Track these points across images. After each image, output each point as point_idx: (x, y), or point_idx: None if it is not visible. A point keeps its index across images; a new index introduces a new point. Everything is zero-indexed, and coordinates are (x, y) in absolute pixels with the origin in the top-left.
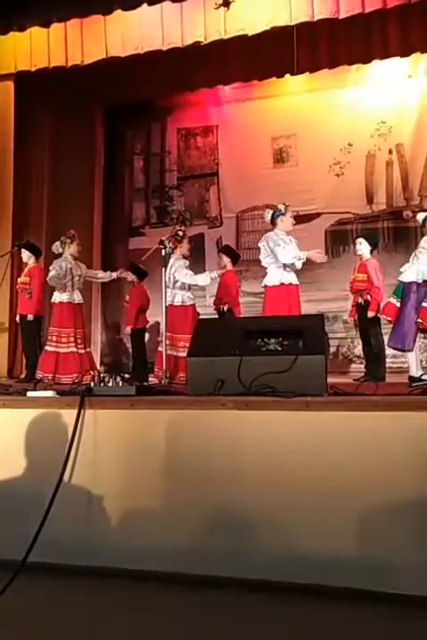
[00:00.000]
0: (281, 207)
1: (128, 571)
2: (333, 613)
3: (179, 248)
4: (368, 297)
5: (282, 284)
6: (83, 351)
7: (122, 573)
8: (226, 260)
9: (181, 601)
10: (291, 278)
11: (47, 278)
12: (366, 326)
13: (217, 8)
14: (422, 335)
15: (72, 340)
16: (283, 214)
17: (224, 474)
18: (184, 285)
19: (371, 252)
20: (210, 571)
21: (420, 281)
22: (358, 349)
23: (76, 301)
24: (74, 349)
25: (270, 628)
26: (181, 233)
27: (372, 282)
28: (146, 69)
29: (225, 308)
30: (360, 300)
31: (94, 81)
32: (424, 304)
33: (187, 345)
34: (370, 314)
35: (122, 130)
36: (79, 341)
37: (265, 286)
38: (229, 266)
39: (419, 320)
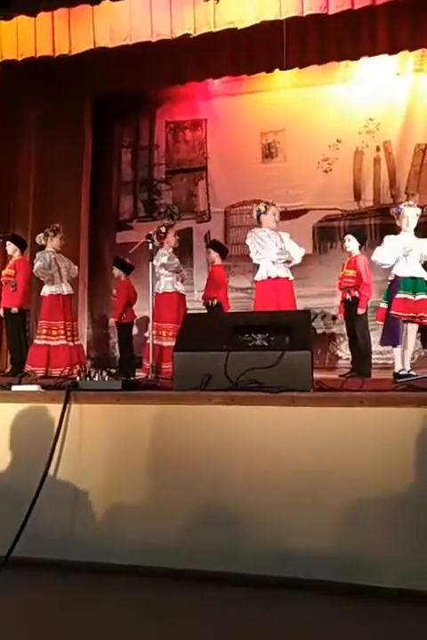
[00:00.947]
0: (261, 207)
1: (114, 565)
2: (319, 607)
3: (165, 242)
4: (356, 293)
5: (269, 278)
6: (73, 343)
7: (108, 568)
8: (214, 255)
9: (167, 596)
10: (279, 272)
11: (33, 270)
12: (354, 322)
13: (206, 0)
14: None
15: (62, 332)
16: (263, 213)
17: (211, 469)
18: (168, 273)
19: (360, 248)
20: (196, 565)
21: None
22: (345, 346)
23: (66, 293)
24: (64, 342)
25: (258, 623)
26: (164, 228)
27: (361, 278)
28: (135, 61)
29: (214, 303)
30: (348, 296)
31: (82, 72)
32: (398, 296)
33: (171, 334)
34: (360, 311)
35: (110, 122)
36: (69, 333)
37: (255, 281)
38: (218, 260)
39: (392, 312)
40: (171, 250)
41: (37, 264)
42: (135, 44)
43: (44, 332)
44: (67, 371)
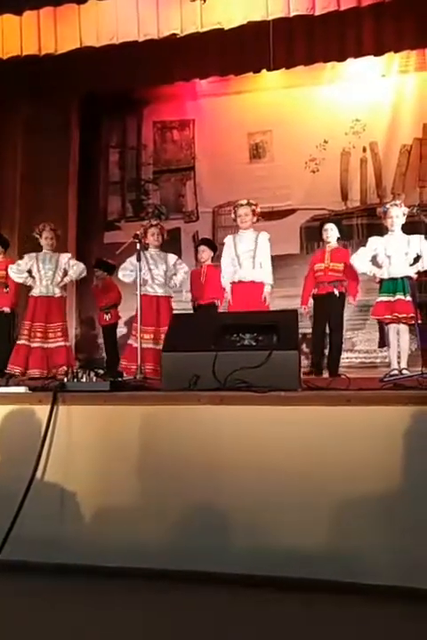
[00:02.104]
0: (232, 214)
1: (103, 568)
2: (310, 606)
3: (148, 241)
4: (344, 288)
5: (233, 282)
6: (54, 345)
7: (97, 570)
8: (209, 254)
9: (157, 597)
10: (240, 275)
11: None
12: (332, 318)
13: (193, 0)
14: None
15: (40, 334)
16: (233, 218)
17: (199, 469)
18: (146, 279)
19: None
20: (187, 566)
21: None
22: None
23: (47, 294)
24: (40, 344)
25: (249, 623)
26: (139, 233)
27: (351, 271)
28: (122, 61)
29: (218, 303)
30: (335, 290)
31: (69, 71)
32: (378, 299)
33: (151, 336)
34: (352, 301)
35: (97, 122)
36: (52, 335)
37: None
38: (210, 260)
39: (372, 316)
40: (156, 250)
41: (11, 271)
42: (122, 44)
43: (25, 333)
44: (45, 373)
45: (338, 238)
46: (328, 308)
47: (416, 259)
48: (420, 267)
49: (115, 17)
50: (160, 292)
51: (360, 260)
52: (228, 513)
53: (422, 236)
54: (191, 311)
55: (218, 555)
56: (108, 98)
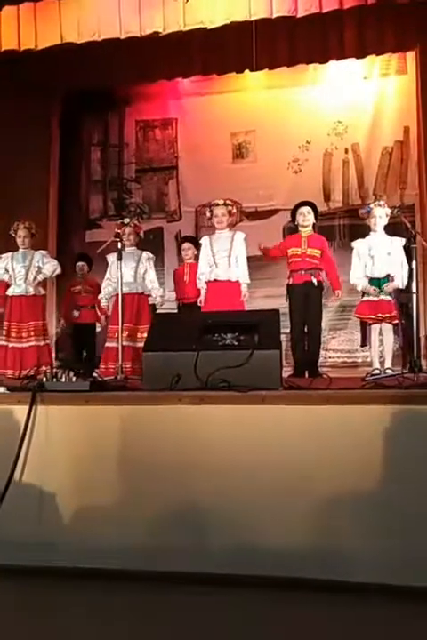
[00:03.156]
0: (208, 215)
1: (83, 569)
2: (290, 604)
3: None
4: (322, 277)
5: (208, 280)
6: (27, 345)
7: (76, 572)
8: (193, 252)
9: (137, 598)
10: (215, 274)
11: None
12: (315, 309)
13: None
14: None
15: (14, 334)
16: (208, 217)
17: (181, 469)
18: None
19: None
20: (167, 567)
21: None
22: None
23: (19, 294)
24: (5, 342)
25: (230, 622)
26: (120, 232)
27: (329, 258)
28: (104, 58)
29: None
30: (313, 279)
31: (50, 67)
32: (362, 298)
33: (127, 334)
34: (338, 293)
35: (79, 120)
36: (25, 334)
37: None
38: (194, 258)
39: (355, 315)
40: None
41: None
42: (104, 41)
43: (4, 333)
44: (17, 374)
45: (314, 224)
46: (306, 300)
47: (388, 276)
48: (398, 284)
49: (96, 13)
50: (125, 290)
51: (358, 275)
52: (209, 513)
53: (404, 240)
54: (175, 310)
55: (199, 555)
56: (90, 95)
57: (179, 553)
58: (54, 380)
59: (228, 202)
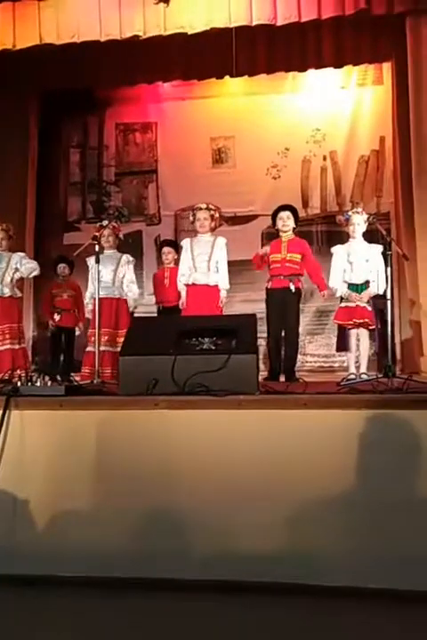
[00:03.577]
0: (190, 217)
1: (58, 577)
2: (267, 609)
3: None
4: (300, 284)
5: (187, 283)
6: (9, 347)
7: (51, 580)
8: (174, 256)
9: (113, 605)
10: (194, 278)
11: None
12: (292, 315)
13: (157, 3)
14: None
15: (8, 336)
16: (191, 221)
17: (157, 474)
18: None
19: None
20: (143, 573)
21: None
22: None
23: (5, 295)
24: (5, 347)
25: (204, 627)
26: (98, 235)
27: (312, 261)
28: (84, 59)
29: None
30: (291, 285)
31: (29, 68)
32: (341, 304)
33: (107, 338)
34: (324, 293)
35: (57, 121)
36: (7, 337)
37: None
38: (174, 262)
39: (334, 320)
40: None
41: None
42: (84, 43)
43: None
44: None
45: (294, 228)
46: (283, 305)
47: (367, 282)
48: (375, 290)
49: (76, 15)
50: (102, 294)
51: (337, 281)
52: (186, 518)
53: (381, 248)
54: (155, 314)
55: (176, 561)
56: (70, 96)
57: (155, 559)
58: (29, 384)
59: (211, 206)
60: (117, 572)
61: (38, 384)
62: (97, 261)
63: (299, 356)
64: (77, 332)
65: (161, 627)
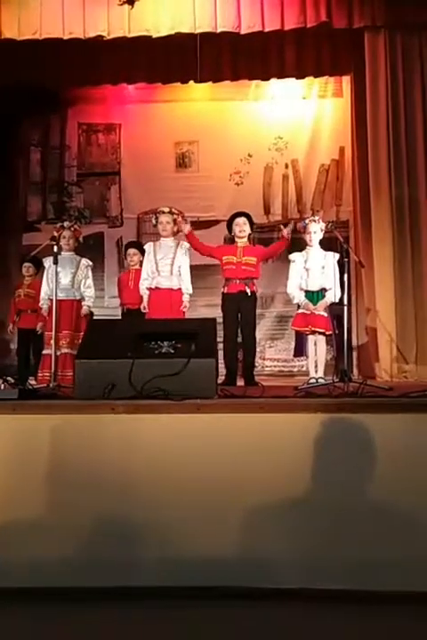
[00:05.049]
0: (153, 220)
1: (8, 589)
2: (223, 614)
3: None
4: (256, 287)
5: (150, 287)
6: None
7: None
8: (139, 257)
9: (67, 616)
10: (157, 282)
11: None
12: (248, 319)
13: (121, 5)
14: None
15: None
16: (154, 224)
17: (113, 480)
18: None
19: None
20: (99, 582)
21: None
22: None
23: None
24: None
25: (165, 635)
26: (56, 236)
27: (266, 252)
28: (47, 56)
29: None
30: (247, 289)
31: None
32: (298, 311)
33: (68, 341)
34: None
35: (17, 118)
36: None
37: None
38: (139, 264)
39: (292, 327)
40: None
41: None
42: (47, 39)
43: None
44: None
45: (249, 234)
46: (239, 309)
47: (323, 289)
48: (331, 298)
49: (38, 11)
50: (62, 296)
51: (293, 287)
52: (142, 525)
53: (337, 255)
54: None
55: (131, 568)
56: (30, 93)
57: (109, 567)
58: None
59: (173, 210)
60: (69, 581)
61: None
62: (55, 262)
63: (259, 361)
64: (39, 332)
65: (112, 635)
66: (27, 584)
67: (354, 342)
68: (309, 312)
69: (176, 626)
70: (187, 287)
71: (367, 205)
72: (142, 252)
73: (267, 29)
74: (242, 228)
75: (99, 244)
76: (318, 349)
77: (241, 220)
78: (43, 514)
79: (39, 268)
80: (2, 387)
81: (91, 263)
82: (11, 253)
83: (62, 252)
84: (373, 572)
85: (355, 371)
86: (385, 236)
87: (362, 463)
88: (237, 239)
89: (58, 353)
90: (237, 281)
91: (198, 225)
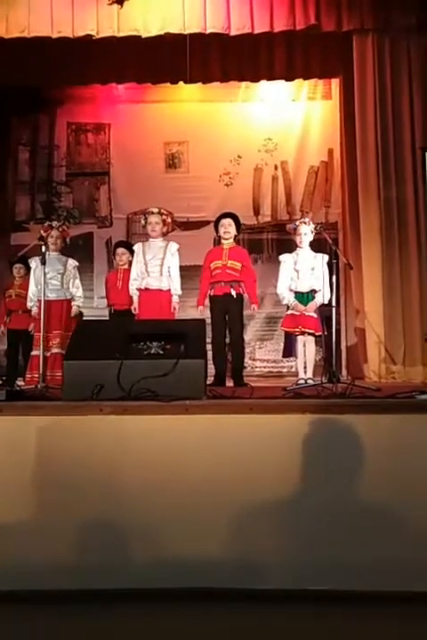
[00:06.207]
0: (142, 220)
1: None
2: (213, 615)
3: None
4: (241, 289)
5: (139, 288)
6: None
7: None
8: (128, 257)
9: (55, 619)
10: (146, 283)
11: None
12: (235, 320)
13: (110, 4)
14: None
15: None
16: (143, 225)
17: (101, 482)
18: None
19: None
20: (87, 584)
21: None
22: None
23: None
24: None
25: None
26: (44, 236)
27: (249, 271)
28: (36, 54)
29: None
30: (232, 291)
31: None
32: (287, 311)
33: (58, 341)
34: (254, 307)
35: (6, 117)
36: None
37: None
38: (128, 264)
39: (281, 328)
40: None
41: None
42: (36, 38)
43: None
44: None
45: (235, 236)
46: (226, 311)
47: (312, 291)
48: (321, 300)
49: (27, 10)
50: (52, 296)
51: (283, 288)
52: (131, 526)
53: (327, 257)
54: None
55: (122, 570)
56: (19, 92)
57: (99, 569)
58: None
59: (163, 211)
60: (58, 584)
61: None
62: (43, 262)
63: (249, 362)
64: (31, 332)
65: (103, 636)
66: (14, 587)
67: (343, 343)
68: (298, 313)
69: (165, 628)
70: (176, 288)
71: (356, 207)
72: (131, 252)
73: (256, 31)
74: (227, 229)
75: (88, 244)
76: (308, 350)
77: (226, 222)
78: (30, 516)
79: (30, 268)
80: None
81: (77, 263)
82: None
83: (49, 253)
84: (362, 572)
85: (344, 371)
86: (374, 238)
87: (351, 463)
88: (222, 240)
89: (48, 353)
90: (223, 283)
91: (188, 225)
